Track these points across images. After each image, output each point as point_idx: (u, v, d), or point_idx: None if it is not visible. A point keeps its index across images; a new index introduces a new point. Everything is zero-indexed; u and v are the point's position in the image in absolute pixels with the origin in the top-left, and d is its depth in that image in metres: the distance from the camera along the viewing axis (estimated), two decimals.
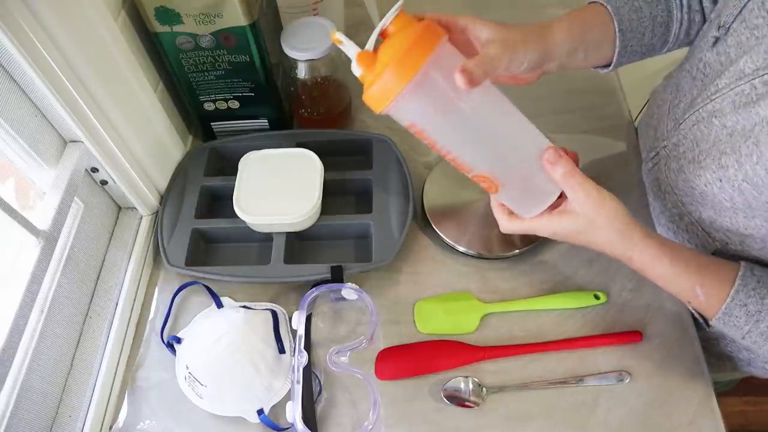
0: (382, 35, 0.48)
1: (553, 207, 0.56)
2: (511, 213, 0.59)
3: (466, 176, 0.55)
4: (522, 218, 0.58)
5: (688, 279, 0.53)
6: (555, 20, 0.57)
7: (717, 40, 0.55)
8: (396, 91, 0.45)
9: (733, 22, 0.53)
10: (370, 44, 0.48)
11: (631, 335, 0.65)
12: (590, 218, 0.53)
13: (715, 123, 0.53)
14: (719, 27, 0.55)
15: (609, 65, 0.62)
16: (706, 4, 0.61)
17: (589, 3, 0.61)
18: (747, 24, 0.51)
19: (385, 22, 0.47)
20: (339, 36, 0.49)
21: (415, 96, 0.46)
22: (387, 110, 0.48)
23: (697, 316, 0.65)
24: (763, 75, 0.48)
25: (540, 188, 0.55)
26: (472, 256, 0.71)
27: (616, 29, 0.58)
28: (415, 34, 0.45)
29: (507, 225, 0.59)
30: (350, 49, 0.49)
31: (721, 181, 0.52)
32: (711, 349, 0.71)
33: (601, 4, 0.59)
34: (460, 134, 0.51)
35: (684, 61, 0.65)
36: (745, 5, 0.51)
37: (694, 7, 0.61)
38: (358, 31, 0.94)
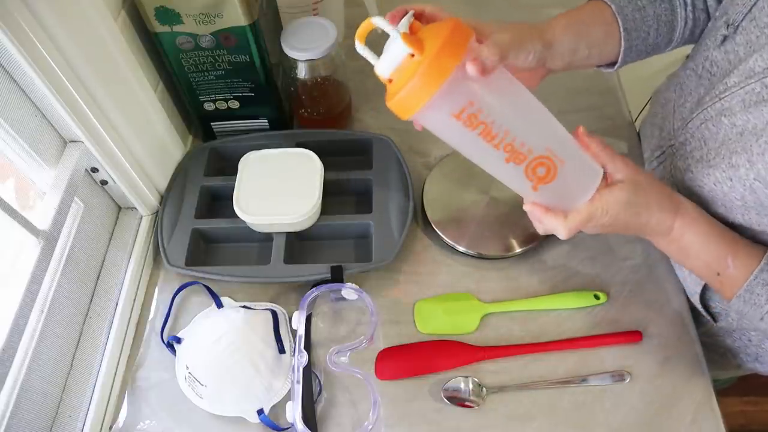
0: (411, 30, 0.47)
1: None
2: (563, 213, 0.54)
3: (520, 164, 0.50)
4: (576, 211, 0.53)
5: (725, 246, 0.52)
6: (552, 18, 0.57)
7: (725, 38, 0.55)
8: (451, 69, 0.43)
9: (742, 20, 0.52)
10: (405, 23, 0.46)
11: (631, 335, 0.64)
12: (636, 181, 0.51)
13: (724, 122, 0.53)
14: (728, 25, 0.54)
15: (613, 64, 0.62)
16: (711, 2, 0.61)
17: (589, 1, 0.61)
18: (757, 22, 0.51)
19: (408, 21, 0.47)
20: (374, 20, 0.47)
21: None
22: (442, 90, 0.43)
23: (702, 311, 0.65)
24: None
25: (589, 163, 0.53)
26: (472, 256, 0.71)
27: (621, 28, 0.58)
28: (452, 22, 0.44)
29: (568, 225, 0.53)
30: (393, 32, 0.46)
31: (731, 180, 0.52)
32: (715, 345, 0.71)
33: (604, 3, 0.59)
34: (517, 111, 0.49)
35: (689, 60, 0.65)
36: (755, 3, 0.51)
37: (699, 6, 0.61)
38: None
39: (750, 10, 0.52)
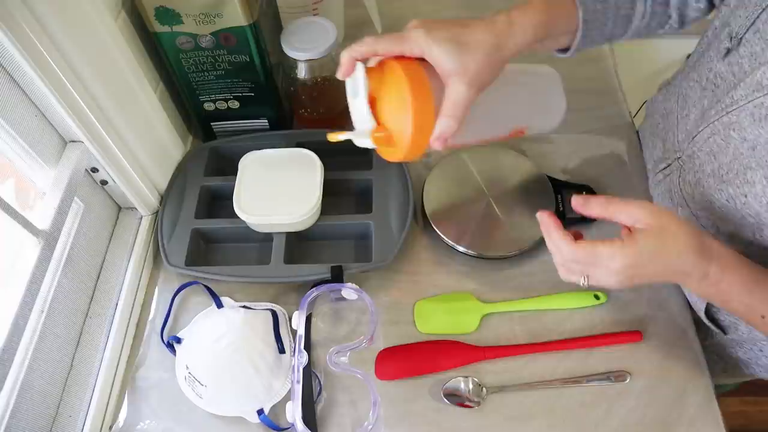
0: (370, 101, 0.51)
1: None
2: (575, 237, 0.52)
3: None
4: (590, 242, 0.50)
5: (767, 286, 0.49)
6: (518, 14, 0.52)
7: (729, 50, 0.54)
8: (425, 142, 0.50)
9: (745, 32, 0.52)
10: (367, 118, 0.51)
11: (631, 335, 0.64)
12: (663, 226, 0.48)
13: (734, 136, 0.52)
14: (731, 37, 0.54)
15: (564, 50, 0.60)
16: None
17: None
18: (762, 35, 0.50)
19: (365, 90, 0.50)
20: (339, 136, 0.52)
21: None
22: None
23: (710, 324, 0.65)
24: None
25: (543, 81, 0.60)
26: (472, 256, 0.71)
27: (580, 19, 0.56)
28: (406, 91, 0.48)
29: (571, 251, 0.51)
30: (360, 137, 0.52)
31: (746, 196, 0.51)
32: (726, 355, 0.70)
33: None
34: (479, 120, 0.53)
35: (690, 71, 0.64)
36: (758, 16, 0.50)
37: (658, 0, 0.60)
38: (358, 31, 0.94)
39: (753, 22, 0.51)
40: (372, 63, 0.53)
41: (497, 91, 0.53)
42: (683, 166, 0.63)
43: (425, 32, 0.48)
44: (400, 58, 0.50)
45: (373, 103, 0.52)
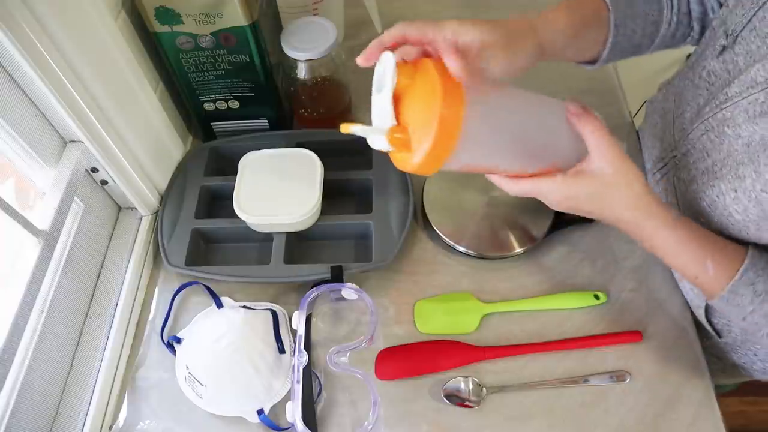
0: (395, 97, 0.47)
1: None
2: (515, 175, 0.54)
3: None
4: (529, 178, 0.53)
5: (702, 249, 0.51)
6: (551, 12, 0.55)
7: (724, 48, 0.54)
8: (445, 157, 0.45)
9: (742, 30, 0.52)
10: (389, 115, 0.46)
11: (631, 335, 0.64)
12: (611, 177, 0.50)
13: (728, 132, 0.53)
14: (727, 35, 0.54)
15: (593, 62, 0.61)
16: (694, 6, 0.60)
17: None
18: (758, 32, 0.50)
19: (392, 84, 0.45)
20: (353, 128, 0.46)
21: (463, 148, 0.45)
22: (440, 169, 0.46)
23: (707, 326, 0.65)
24: None
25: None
26: (472, 256, 0.71)
27: (612, 24, 0.57)
28: (438, 95, 0.43)
29: (513, 186, 0.54)
30: (375, 134, 0.47)
31: (736, 191, 0.51)
32: (724, 358, 0.70)
33: None
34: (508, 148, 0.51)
35: (686, 70, 0.64)
36: (755, 14, 0.50)
37: (683, 10, 0.60)
38: (358, 31, 0.94)
39: (750, 20, 0.51)
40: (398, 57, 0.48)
41: (546, 120, 0.52)
42: (678, 164, 0.63)
43: (458, 20, 0.48)
44: (438, 60, 0.45)
45: (397, 102, 0.47)
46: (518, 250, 0.70)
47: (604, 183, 0.50)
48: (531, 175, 0.53)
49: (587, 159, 0.51)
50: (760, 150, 0.48)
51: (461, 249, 0.70)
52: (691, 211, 0.59)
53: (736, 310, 0.52)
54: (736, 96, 0.52)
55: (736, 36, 0.53)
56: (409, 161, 0.46)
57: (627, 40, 0.59)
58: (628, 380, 0.62)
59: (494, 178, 0.55)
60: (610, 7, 0.57)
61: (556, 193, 0.52)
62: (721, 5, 0.60)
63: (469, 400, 0.61)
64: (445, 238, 0.71)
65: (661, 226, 0.51)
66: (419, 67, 0.47)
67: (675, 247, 0.52)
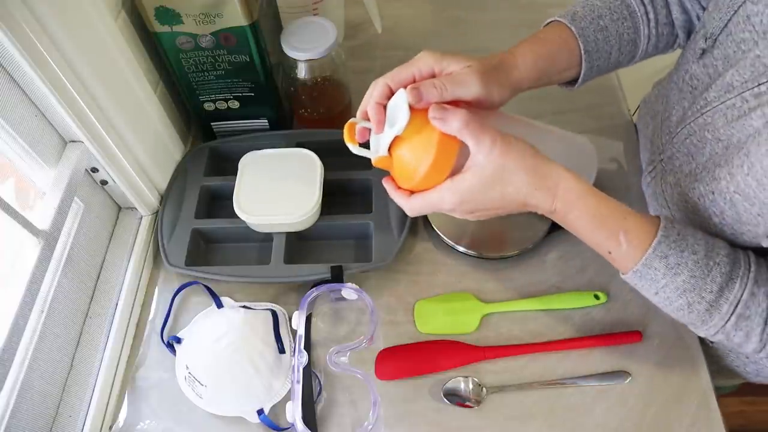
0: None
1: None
2: (411, 193, 0.54)
3: None
4: (420, 193, 0.52)
5: (614, 222, 0.49)
6: (518, 52, 0.56)
7: (704, 51, 0.55)
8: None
9: (719, 34, 0.52)
10: (384, 147, 0.53)
11: (631, 335, 0.64)
12: (498, 164, 0.48)
13: (708, 137, 0.53)
14: (706, 39, 0.54)
15: (573, 82, 0.62)
16: (676, 14, 0.60)
17: (551, 22, 0.61)
18: (733, 37, 0.50)
19: (404, 123, 0.49)
20: (349, 145, 0.54)
21: None
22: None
23: (705, 336, 0.65)
24: (752, 88, 0.47)
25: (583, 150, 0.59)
26: (472, 256, 0.71)
27: (582, 51, 0.58)
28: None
29: (410, 204, 0.53)
30: (366, 155, 0.55)
31: (713, 193, 0.51)
32: (719, 362, 0.70)
33: (565, 26, 0.59)
34: None
35: (672, 73, 0.65)
36: (730, 19, 0.51)
37: (662, 21, 0.60)
38: (358, 31, 0.94)
39: (726, 24, 0.51)
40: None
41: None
42: (665, 167, 0.63)
43: (431, 50, 0.51)
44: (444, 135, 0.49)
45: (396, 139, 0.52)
46: (518, 250, 0.70)
47: (494, 166, 0.48)
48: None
49: (470, 155, 0.49)
50: (735, 152, 0.48)
51: (461, 249, 0.70)
52: (680, 215, 0.59)
53: (648, 285, 0.50)
54: (714, 101, 0.52)
55: (715, 39, 0.53)
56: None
57: (603, 60, 0.60)
58: (628, 380, 0.62)
59: (394, 196, 0.55)
60: (577, 36, 0.58)
61: (449, 200, 0.50)
62: (704, 9, 0.60)
63: (469, 400, 0.61)
64: (445, 238, 0.71)
65: (570, 204, 0.49)
66: (425, 118, 0.50)
67: (586, 224, 0.50)
